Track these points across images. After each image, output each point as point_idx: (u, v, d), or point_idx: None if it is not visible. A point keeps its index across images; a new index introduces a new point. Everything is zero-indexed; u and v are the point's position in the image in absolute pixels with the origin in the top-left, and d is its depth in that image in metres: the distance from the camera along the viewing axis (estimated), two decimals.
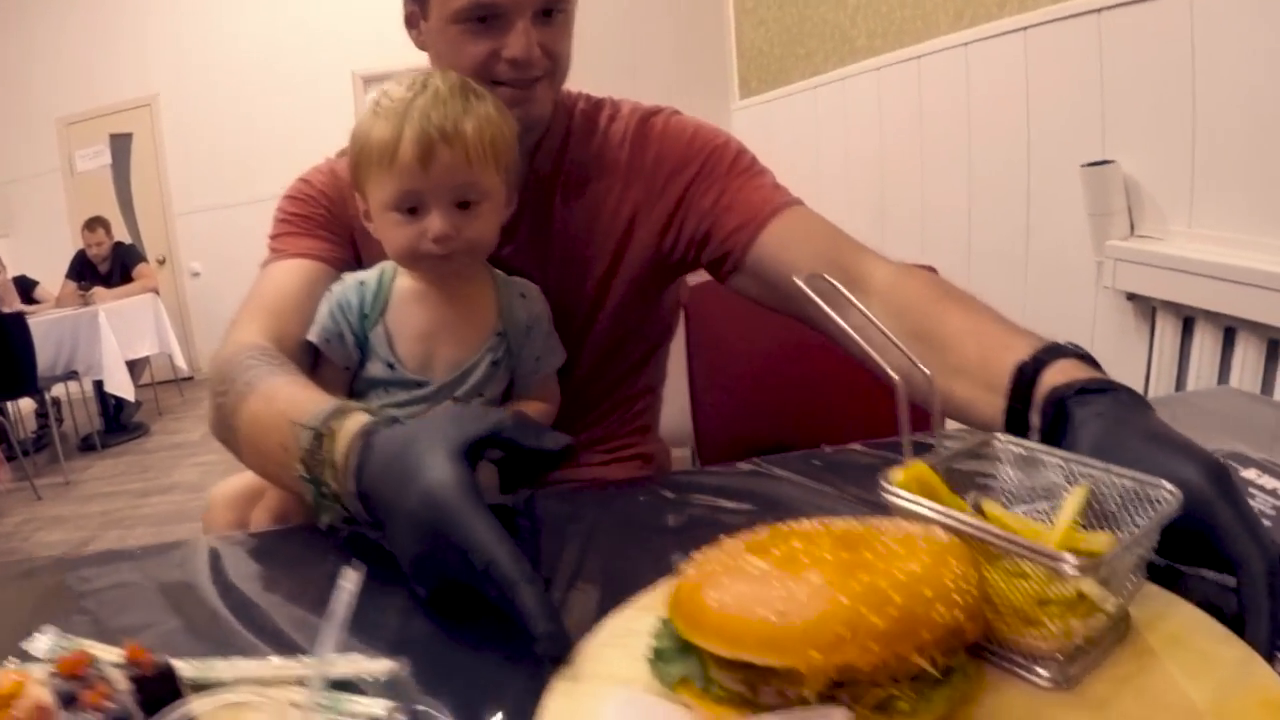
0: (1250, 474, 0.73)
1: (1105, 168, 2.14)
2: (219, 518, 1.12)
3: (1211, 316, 1.90)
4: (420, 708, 0.57)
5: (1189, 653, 0.57)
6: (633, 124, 1.17)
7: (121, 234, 6.42)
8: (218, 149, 6.65)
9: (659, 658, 0.55)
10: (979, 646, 0.57)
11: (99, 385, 5.30)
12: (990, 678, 0.57)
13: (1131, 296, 2.13)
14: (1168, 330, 2.03)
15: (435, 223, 0.96)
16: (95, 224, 5.74)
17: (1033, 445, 0.65)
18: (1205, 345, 1.93)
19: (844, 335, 0.68)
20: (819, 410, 1.63)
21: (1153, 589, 0.62)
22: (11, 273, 5.62)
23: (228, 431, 0.94)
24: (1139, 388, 0.75)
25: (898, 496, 0.59)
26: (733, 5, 5.26)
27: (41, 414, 5.39)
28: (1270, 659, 0.55)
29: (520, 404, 1.09)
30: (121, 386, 5.12)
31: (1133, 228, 2.16)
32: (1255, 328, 1.79)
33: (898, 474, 0.59)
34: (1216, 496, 0.58)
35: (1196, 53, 1.91)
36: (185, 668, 0.58)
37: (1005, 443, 0.66)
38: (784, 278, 1.03)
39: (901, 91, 3.23)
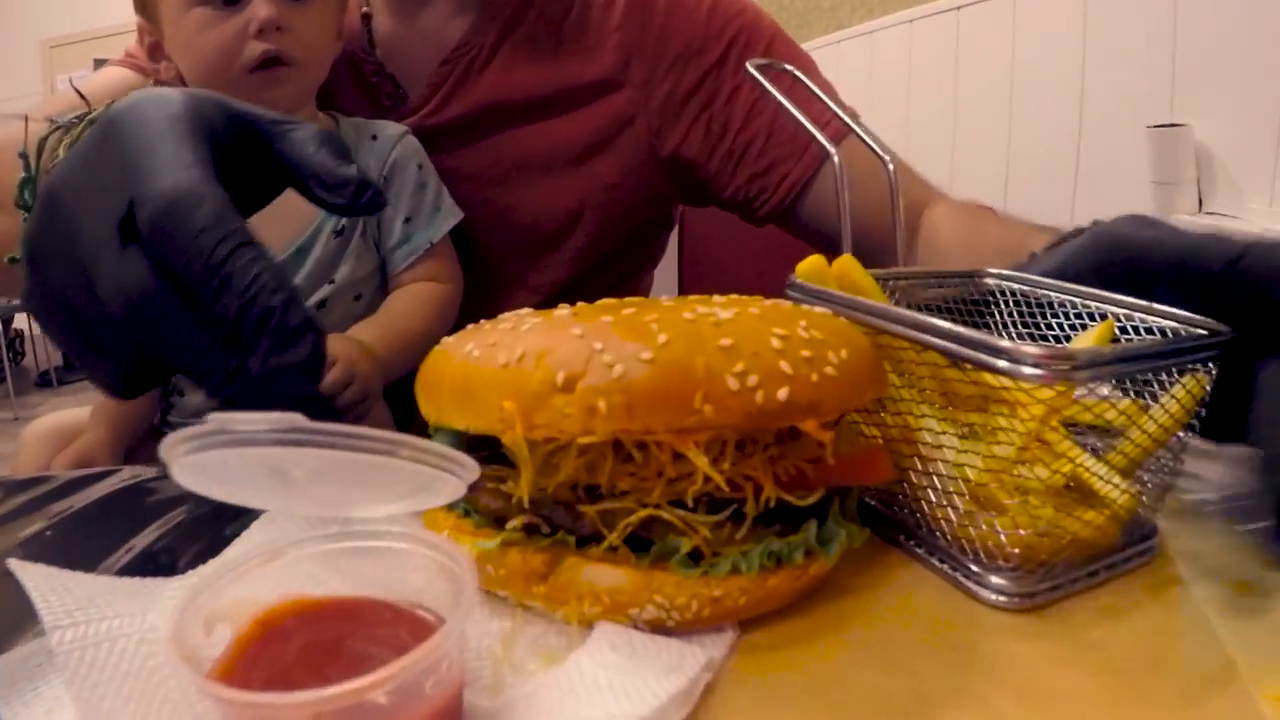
0: None
1: (1175, 131, 1.91)
2: (29, 458, 0.90)
3: None
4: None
5: (1235, 591, 0.36)
6: None
7: None
8: None
9: None
10: (897, 528, 0.39)
11: None
12: (907, 576, 0.37)
13: None
14: None
15: (261, 6, 0.74)
16: None
17: (1039, 279, 0.47)
18: None
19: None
20: None
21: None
22: None
23: None
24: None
25: (797, 289, 0.41)
26: None
27: (0, 345, 5.18)
28: None
29: (400, 290, 0.81)
30: None
31: (1201, 202, 1.92)
32: None
33: (808, 263, 0.43)
34: None
35: None
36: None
37: (999, 279, 0.49)
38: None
39: (936, 46, 2.98)
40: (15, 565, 0.29)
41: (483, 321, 0.37)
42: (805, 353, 0.30)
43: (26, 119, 0.54)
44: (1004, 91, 2.62)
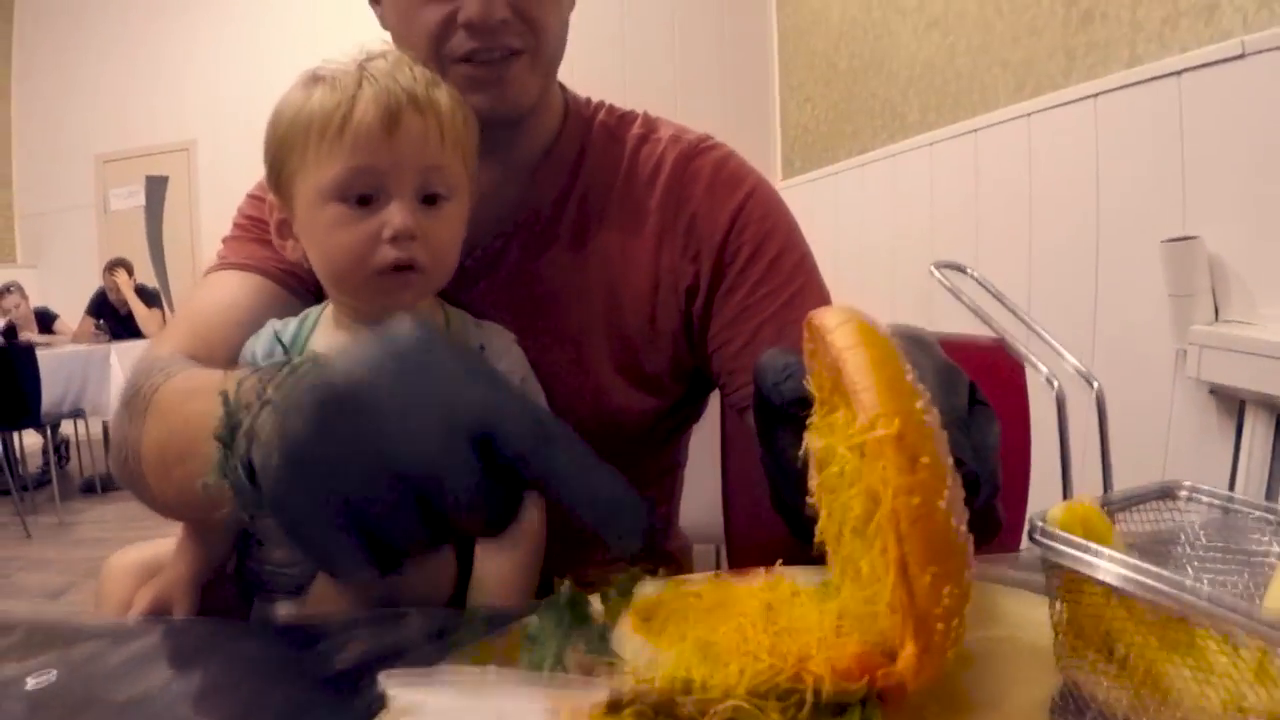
0: None
1: (1188, 244, 1.94)
2: (115, 589, 0.92)
3: None
4: None
5: None
6: (670, 160, 0.91)
7: (148, 277, 6.32)
8: None
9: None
10: None
11: (108, 427, 5.17)
12: None
13: (1216, 389, 1.89)
14: (1259, 429, 1.79)
15: (396, 214, 0.73)
16: (116, 266, 5.63)
17: (1235, 496, 0.51)
18: None
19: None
20: None
21: None
22: (35, 303, 5.58)
23: (129, 436, 0.73)
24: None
25: (1053, 540, 0.41)
26: (778, 84, 5.19)
27: (48, 451, 5.22)
28: None
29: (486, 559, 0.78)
30: None
31: (1217, 312, 1.94)
32: None
33: (1057, 511, 0.43)
34: None
35: None
36: None
37: (1193, 493, 0.52)
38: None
39: (956, 166, 3.07)
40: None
41: None
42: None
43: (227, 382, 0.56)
44: (1022, 211, 2.67)
